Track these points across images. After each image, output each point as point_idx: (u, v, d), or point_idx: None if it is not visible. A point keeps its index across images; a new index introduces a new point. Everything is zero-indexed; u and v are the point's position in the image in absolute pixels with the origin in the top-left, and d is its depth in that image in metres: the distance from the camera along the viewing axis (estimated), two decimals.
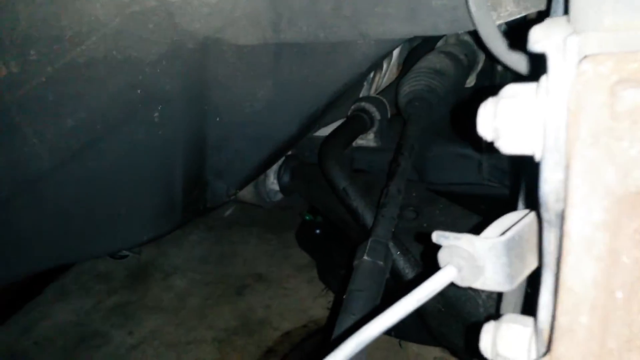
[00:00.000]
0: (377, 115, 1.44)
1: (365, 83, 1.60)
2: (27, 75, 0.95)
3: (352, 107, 1.47)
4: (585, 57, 0.35)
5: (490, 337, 0.43)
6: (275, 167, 1.54)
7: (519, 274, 0.44)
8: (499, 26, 0.77)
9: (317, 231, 2.12)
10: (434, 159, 1.48)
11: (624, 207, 0.33)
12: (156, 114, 1.06)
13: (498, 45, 0.71)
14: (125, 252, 2.67)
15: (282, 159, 1.54)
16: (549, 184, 0.36)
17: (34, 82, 0.96)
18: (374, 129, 1.45)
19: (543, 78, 0.36)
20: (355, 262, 0.91)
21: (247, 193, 1.56)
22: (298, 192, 1.52)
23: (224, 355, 2.11)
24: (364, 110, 1.44)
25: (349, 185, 1.19)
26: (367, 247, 0.92)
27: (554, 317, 0.34)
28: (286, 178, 1.52)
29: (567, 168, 0.34)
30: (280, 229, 2.89)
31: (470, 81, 1.64)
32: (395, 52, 1.65)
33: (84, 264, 2.71)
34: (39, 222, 1.07)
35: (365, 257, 0.90)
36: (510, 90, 0.38)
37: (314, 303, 2.38)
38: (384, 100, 1.49)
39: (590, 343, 0.32)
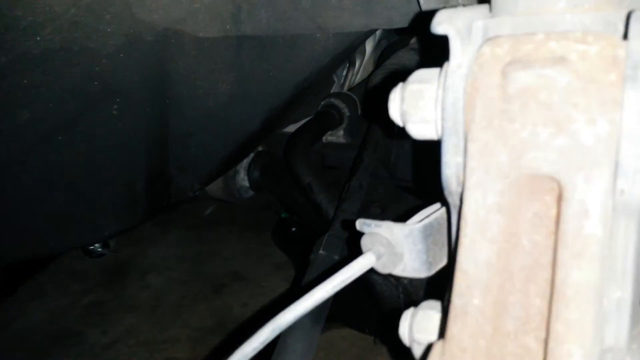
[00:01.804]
0: (346, 112, 1.44)
1: (336, 79, 1.60)
2: None
3: (322, 103, 1.46)
4: (487, 40, 0.35)
5: (407, 323, 0.42)
6: (245, 163, 1.54)
7: (438, 261, 0.44)
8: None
9: (293, 229, 2.11)
10: (403, 156, 1.48)
11: (522, 191, 0.33)
12: (115, 107, 1.05)
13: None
14: (102, 251, 2.65)
15: (252, 155, 1.54)
16: (449, 168, 0.36)
17: None
18: (344, 125, 1.45)
19: (445, 63, 0.35)
20: (311, 257, 0.90)
21: (217, 189, 1.56)
22: (268, 188, 1.52)
23: (197, 354, 2.10)
24: (333, 106, 1.43)
25: (313, 180, 1.18)
26: (324, 242, 0.92)
27: (449, 299, 0.33)
28: (256, 174, 1.51)
29: (464, 151, 0.34)
30: (260, 228, 2.87)
31: None
32: (369, 49, 1.65)
33: (61, 262, 2.68)
34: None
35: (321, 252, 0.89)
36: (417, 75, 0.38)
37: None
38: (354, 96, 1.49)
39: (483, 325, 0.32)
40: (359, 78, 1.68)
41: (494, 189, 0.32)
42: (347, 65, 1.62)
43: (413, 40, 1.62)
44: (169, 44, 1.02)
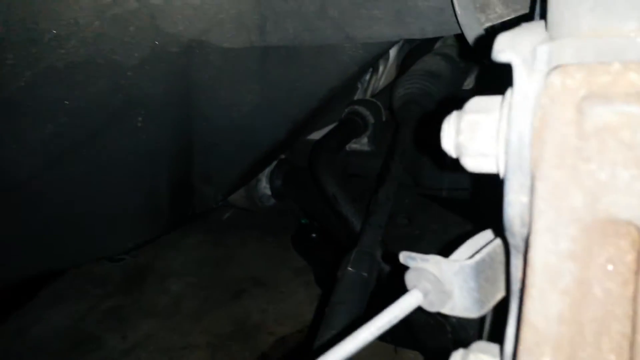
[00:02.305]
0: (370, 119, 1.41)
1: (360, 85, 1.57)
2: (5, 79, 0.93)
3: (346, 110, 1.44)
4: (554, 68, 0.32)
5: None
6: (267, 171, 1.52)
7: (490, 299, 0.41)
8: (487, 29, 0.74)
9: (313, 235, 2.09)
10: (429, 164, 1.45)
11: (594, 236, 0.30)
12: (139, 119, 1.04)
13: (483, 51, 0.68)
14: (122, 255, 2.65)
15: (275, 163, 1.52)
16: (513, 207, 0.33)
17: (12, 87, 0.94)
18: (368, 132, 1.42)
19: (508, 91, 0.33)
20: (339, 273, 0.88)
21: (239, 198, 1.54)
22: (290, 197, 1.50)
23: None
24: (357, 113, 1.41)
25: (338, 191, 1.16)
26: (352, 258, 0.89)
27: (515, 354, 0.31)
28: (278, 182, 1.49)
29: (531, 190, 0.31)
30: (279, 233, 2.85)
31: (469, 84, 1.61)
32: (393, 54, 1.62)
33: (81, 267, 2.69)
34: (18, 230, 1.05)
35: (349, 268, 0.87)
36: (475, 104, 0.35)
37: (311, 307, 2.35)
38: (378, 103, 1.46)
39: None
40: (382, 83, 1.65)
41: (567, 235, 0.30)
42: (371, 70, 1.59)
43: (438, 44, 1.59)
44: (193, 55, 1.01)
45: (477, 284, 0.40)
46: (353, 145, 1.44)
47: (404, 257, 0.43)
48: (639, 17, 0.33)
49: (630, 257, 0.30)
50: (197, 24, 0.97)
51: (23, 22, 0.90)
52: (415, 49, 1.63)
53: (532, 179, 0.31)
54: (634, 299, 0.29)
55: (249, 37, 0.98)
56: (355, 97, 1.52)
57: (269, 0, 0.93)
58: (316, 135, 1.42)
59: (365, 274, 0.86)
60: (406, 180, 1.41)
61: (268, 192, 1.52)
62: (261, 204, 1.55)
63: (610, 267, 0.30)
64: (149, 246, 2.86)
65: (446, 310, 0.42)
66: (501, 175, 0.33)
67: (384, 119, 1.46)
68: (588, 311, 0.31)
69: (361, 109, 1.40)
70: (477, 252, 0.41)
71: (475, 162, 0.35)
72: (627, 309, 0.30)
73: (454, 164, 0.36)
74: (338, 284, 0.85)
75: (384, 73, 1.64)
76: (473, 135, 0.34)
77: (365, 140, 1.42)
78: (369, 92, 1.60)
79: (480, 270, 0.41)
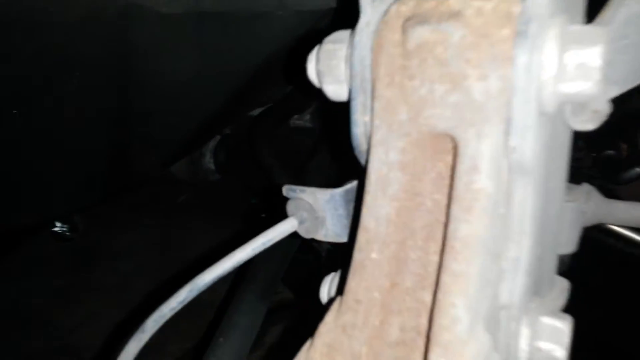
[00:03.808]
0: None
1: None
2: None
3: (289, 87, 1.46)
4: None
5: (327, 286, 0.43)
6: (211, 145, 1.53)
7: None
8: None
9: (263, 215, 2.11)
10: None
11: (426, 151, 0.34)
12: (75, 81, 1.04)
13: None
14: (70, 235, 2.62)
15: (219, 138, 1.53)
16: (358, 127, 0.36)
17: None
18: (310, 109, 1.44)
19: (359, 21, 0.36)
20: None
21: (183, 171, 1.55)
22: (233, 171, 1.52)
23: (166, 337, 2.09)
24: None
25: (274, 163, 1.18)
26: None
27: (351, 255, 0.34)
28: (222, 157, 1.51)
29: (371, 110, 0.34)
30: (232, 214, 2.86)
31: None
32: None
33: (28, 247, 2.64)
34: None
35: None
36: (332, 36, 0.38)
37: None
38: None
39: (379, 279, 0.33)
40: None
41: (396, 147, 0.33)
42: None
43: None
44: (130, 18, 1.01)
45: (347, 211, 0.44)
46: (297, 122, 1.46)
47: (286, 189, 0.46)
48: None
49: (446, 165, 0.33)
50: None
51: None
52: None
53: (372, 98, 0.34)
54: (446, 206, 0.32)
55: (186, 2, 0.99)
56: None
57: None
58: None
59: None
60: None
61: (212, 166, 1.53)
62: (205, 177, 1.56)
63: (439, 180, 0.34)
64: (98, 227, 2.84)
65: (319, 236, 0.45)
66: (350, 91, 0.36)
67: None
68: (420, 219, 0.34)
69: None
70: (349, 184, 0.45)
71: (332, 89, 0.38)
72: (448, 218, 0.33)
73: (319, 95, 0.39)
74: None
75: None
76: (329, 63, 0.37)
77: (307, 117, 1.45)
78: None
79: (349, 199, 0.44)
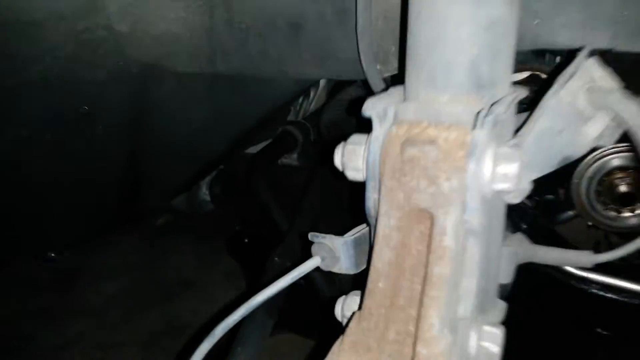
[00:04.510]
0: (300, 138, 1.64)
1: (293, 108, 1.80)
2: None
3: (280, 129, 1.66)
4: (395, 122, 0.55)
5: (340, 305, 0.62)
6: (207, 179, 1.70)
7: (363, 262, 0.63)
8: (385, 78, 0.98)
9: (246, 240, 2.28)
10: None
11: (412, 219, 0.53)
12: (100, 127, 1.21)
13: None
14: (54, 256, 2.71)
15: (214, 172, 1.71)
16: (370, 200, 0.55)
17: None
18: (298, 149, 1.64)
19: (371, 133, 0.56)
20: (267, 264, 1.09)
21: (180, 202, 1.71)
22: (228, 203, 1.69)
23: (148, 355, 2.21)
24: (289, 132, 1.63)
25: (271, 199, 1.37)
26: (277, 251, 1.10)
27: (366, 284, 0.53)
28: (217, 190, 1.68)
29: (379, 191, 0.54)
30: (211, 238, 3.00)
31: None
32: (322, 82, 1.86)
33: (11, 268, 2.72)
34: None
35: (275, 259, 1.08)
36: (353, 139, 0.58)
37: None
38: (308, 124, 1.69)
39: (384, 300, 0.52)
40: (313, 106, 1.89)
41: (395, 216, 0.52)
42: (303, 95, 1.82)
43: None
44: (151, 76, 1.19)
45: (355, 252, 0.63)
46: (284, 160, 1.66)
47: (311, 235, 0.65)
48: (450, 93, 0.57)
49: (430, 231, 0.53)
50: (155, 50, 1.16)
51: (7, 42, 1.05)
52: (342, 80, 1.88)
53: (380, 184, 0.54)
54: (426, 255, 0.52)
55: (200, 65, 1.18)
56: (289, 118, 1.74)
57: (219, 37, 1.13)
58: (252, 149, 1.63)
59: (289, 264, 1.08)
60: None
61: (207, 198, 1.70)
62: (200, 208, 1.73)
63: (421, 236, 0.54)
64: (80, 248, 2.93)
65: (335, 269, 0.64)
66: (364, 181, 0.56)
67: (312, 138, 1.69)
68: (408, 262, 0.54)
69: (292, 129, 1.63)
70: (357, 233, 0.64)
71: (352, 174, 0.57)
72: (427, 262, 0.53)
73: (341, 175, 0.59)
74: (265, 270, 1.06)
75: (315, 98, 1.87)
76: (351, 157, 0.57)
77: (295, 156, 1.64)
78: (300, 114, 1.83)
79: (357, 244, 0.63)
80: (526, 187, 0.57)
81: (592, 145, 0.61)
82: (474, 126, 0.51)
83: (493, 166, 0.50)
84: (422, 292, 0.51)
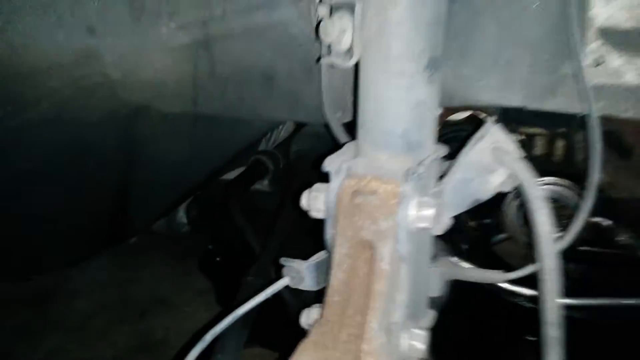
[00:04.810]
0: (271, 166, 1.82)
1: (264, 139, 1.98)
2: None
3: (252, 158, 1.83)
4: (347, 176, 0.73)
5: (305, 315, 0.79)
6: (184, 204, 1.86)
7: (322, 282, 0.81)
8: (343, 124, 1.17)
9: (218, 259, 2.42)
10: None
11: (359, 248, 0.71)
12: (92, 163, 1.35)
13: (340, 136, 1.10)
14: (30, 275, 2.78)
15: (190, 198, 1.86)
16: (329, 235, 0.73)
17: None
18: (268, 177, 1.82)
19: (329, 184, 0.74)
20: (243, 280, 1.25)
21: (159, 224, 1.86)
22: (204, 225, 1.84)
23: None
24: (260, 161, 1.80)
25: (245, 224, 1.53)
26: (251, 271, 1.27)
27: (324, 298, 0.70)
28: (194, 213, 1.83)
29: (335, 227, 0.72)
30: (183, 257, 3.12)
31: None
32: None
33: None
34: None
35: (249, 278, 1.24)
36: (316, 187, 0.76)
37: None
38: (277, 153, 1.87)
39: (337, 309, 0.69)
40: (282, 136, 2.07)
41: (346, 246, 0.70)
42: None
43: None
44: (140, 116, 1.35)
45: (317, 273, 0.81)
46: (257, 186, 1.83)
47: (282, 260, 0.83)
48: (388, 153, 0.76)
49: (369, 257, 0.71)
50: (145, 94, 1.32)
51: (11, 87, 1.19)
52: None
53: (335, 222, 0.72)
54: (369, 275, 0.70)
55: (184, 106, 1.34)
56: (260, 148, 1.91)
57: (201, 83, 1.29)
58: (227, 175, 1.80)
59: (261, 282, 1.24)
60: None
61: (184, 220, 1.85)
62: (177, 230, 1.88)
63: (366, 262, 0.72)
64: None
65: (301, 287, 0.81)
66: (324, 219, 0.74)
67: (281, 166, 1.87)
68: (356, 281, 0.72)
69: (264, 158, 1.81)
70: (318, 258, 0.82)
71: (315, 213, 0.75)
72: (369, 280, 0.71)
73: (306, 215, 0.77)
74: (240, 290, 1.22)
75: (284, 129, 2.06)
76: (314, 202, 0.74)
77: (266, 182, 1.82)
78: (270, 143, 2.00)
79: (318, 267, 0.81)
80: (446, 222, 0.77)
81: (496, 191, 0.80)
82: (405, 180, 0.70)
83: (416, 210, 0.69)
84: (366, 304, 0.69)
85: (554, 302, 0.73)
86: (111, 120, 1.32)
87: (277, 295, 1.05)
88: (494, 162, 0.79)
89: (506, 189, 0.80)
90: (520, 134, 1.48)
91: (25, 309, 2.70)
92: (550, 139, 1.45)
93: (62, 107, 1.26)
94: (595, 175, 0.86)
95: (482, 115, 1.49)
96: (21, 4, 1.12)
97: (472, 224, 1.54)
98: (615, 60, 0.89)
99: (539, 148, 1.50)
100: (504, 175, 0.79)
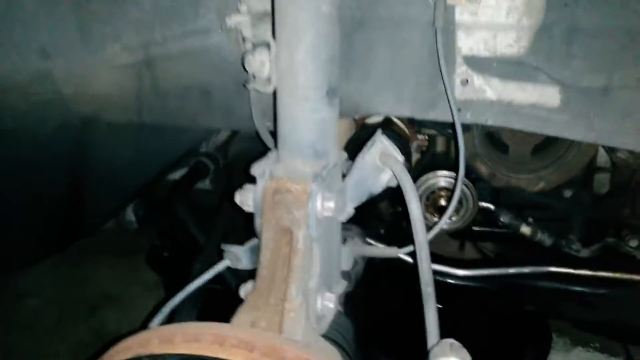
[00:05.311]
0: (211, 167, 2.00)
1: (204, 142, 2.16)
2: None
3: (194, 160, 2.01)
4: (269, 178, 0.95)
5: (243, 288, 1.00)
6: (132, 203, 2.02)
7: (255, 261, 1.03)
8: (270, 132, 1.37)
9: (165, 254, 2.58)
10: None
11: (281, 232, 0.93)
12: (49, 169, 1.50)
13: (268, 141, 1.31)
14: None
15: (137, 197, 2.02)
16: (257, 224, 0.95)
17: None
18: (210, 176, 2.01)
19: (256, 185, 0.95)
20: (191, 269, 1.45)
21: (108, 223, 2.01)
22: (151, 222, 2.01)
23: None
24: (201, 163, 1.99)
25: (189, 217, 1.72)
26: (199, 260, 1.47)
27: (256, 273, 0.92)
28: (141, 211, 2.00)
29: (261, 218, 0.93)
30: (130, 254, 3.23)
31: None
32: None
33: None
34: None
35: (197, 265, 1.44)
36: (246, 187, 0.97)
37: None
38: (217, 155, 2.06)
39: (266, 281, 0.91)
40: (220, 139, 2.25)
41: (270, 232, 0.92)
42: None
43: None
44: (89, 126, 1.51)
45: (251, 255, 1.03)
46: (199, 185, 2.01)
47: (223, 246, 1.04)
48: (301, 159, 0.98)
49: (289, 240, 0.94)
50: (94, 106, 1.48)
51: None
52: None
53: (261, 214, 0.94)
54: (289, 254, 0.92)
55: (129, 117, 1.51)
56: (201, 150, 2.10)
57: (145, 96, 1.46)
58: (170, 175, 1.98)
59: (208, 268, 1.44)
60: None
61: (132, 218, 2.01)
62: (126, 227, 2.04)
63: (287, 244, 0.94)
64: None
65: (239, 266, 1.03)
66: (254, 212, 0.96)
67: (221, 166, 2.06)
68: (280, 258, 0.94)
69: (204, 160, 1.99)
70: (251, 243, 1.04)
71: (246, 208, 0.97)
72: (290, 258, 0.93)
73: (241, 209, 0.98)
74: (190, 275, 1.41)
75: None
76: (245, 199, 0.96)
77: (207, 181, 2.00)
78: (210, 144, 2.18)
79: (252, 250, 1.03)
80: (350, 212, 1.01)
81: (386, 186, 1.04)
82: (312, 181, 0.93)
83: (321, 203, 0.91)
84: (288, 275, 0.91)
85: (427, 266, 0.97)
86: (64, 130, 1.47)
87: (219, 277, 1.26)
88: (382, 164, 1.03)
89: (393, 184, 1.04)
90: (424, 135, 1.75)
91: None
92: (447, 139, 1.73)
93: (19, 121, 1.40)
94: (462, 168, 1.12)
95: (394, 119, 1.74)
96: None
97: (389, 212, 1.79)
98: (477, 81, 1.15)
99: (439, 146, 1.78)
100: (390, 174, 1.03)
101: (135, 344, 0.78)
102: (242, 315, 0.91)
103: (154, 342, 0.75)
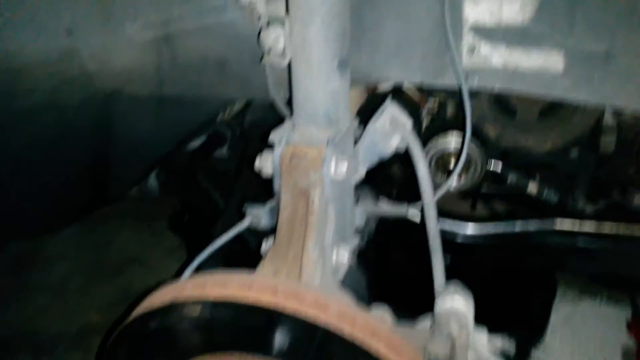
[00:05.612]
0: (228, 135, 2.09)
1: (221, 112, 2.24)
2: None
3: (212, 128, 2.10)
4: (287, 144, 1.04)
5: (264, 244, 1.10)
6: (154, 171, 2.12)
7: (275, 220, 1.12)
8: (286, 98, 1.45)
9: (186, 218, 2.71)
10: None
11: (300, 195, 1.02)
12: (76, 139, 1.60)
13: (283, 110, 1.39)
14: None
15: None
16: (276, 187, 1.04)
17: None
18: (227, 144, 2.10)
19: (274, 150, 1.03)
20: (214, 231, 1.55)
21: (133, 190, 2.12)
22: (173, 189, 2.12)
23: (108, 319, 2.60)
24: (219, 131, 2.08)
25: (209, 183, 1.82)
26: (220, 224, 1.57)
27: (276, 231, 1.02)
28: (163, 178, 2.10)
29: (280, 181, 1.02)
30: (153, 220, 3.37)
31: None
32: None
33: None
34: None
35: (219, 227, 1.54)
36: (265, 152, 1.05)
37: None
38: (234, 124, 2.14)
39: (285, 238, 1.00)
40: (236, 108, 2.33)
41: (289, 193, 1.01)
42: None
43: None
44: (113, 98, 1.59)
45: (270, 214, 1.12)
46: (217, 153, 2.11)
47: (245, 206, 1.13)
48: (316, 126, 1.06)
49: (306, 200, 1.03)
50: (117, 81, 1.56)
51: (7, 82, 1.42)
52: None
53: (280, 177, 1.02)
54: (305, 213, 1.01)
55: (150, 89, 1.59)
56: (218, 119, 2.18)
57: (165, 70, 1.54)
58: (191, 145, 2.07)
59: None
60: None
61: (155, 185, 2.12)
62: (149, 194, 2.15)
63: (305, 204, 1.03)
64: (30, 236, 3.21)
65: (260, 226, 1.13)
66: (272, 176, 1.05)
67: (237, 134, 2.14)
68: (298, 217, 1.03)
69: (222, 128, 2.08)
70: (271, 203, 1.13)
71: (266, 173, 1.06)
72: (306, 217, 1.02)
73: (258, 175, 1.07)
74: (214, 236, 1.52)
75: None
76: (264, 164, 1.05)
77: (225, 149, 2.10)
78: (227, 114, 2.27)
79: (271, 210, 1.12)
80: (362, 174, 1.09)
81: (395, 151, 1.12)
82: (326, 146, 1.01)
83: (334, 168, 1.00)
84: (305, 232, 1.00)
85: (434, 223, 1.06)
86: (89, 103, 1.56)
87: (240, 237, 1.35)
88: (392, 130, 1.10)
89: (402, 148, 1.12)
90: (435, 98, 1.81)
91: (5, 275, 2.92)
92: (457, 103, 1.79)
93: (49, 96, 1.49)
94: (469, 130, 1.19)
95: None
96: (10, 16, 1.34)
97: (400, 174, 1.88)
98: (484, 49, 1.21)
99: (450, 110, 1.84)
100: (399, 139, 1.11)
101: (172, 290, 0.89)
102: (264, 267, 1.01)
103: (188, 287, 0.86)
